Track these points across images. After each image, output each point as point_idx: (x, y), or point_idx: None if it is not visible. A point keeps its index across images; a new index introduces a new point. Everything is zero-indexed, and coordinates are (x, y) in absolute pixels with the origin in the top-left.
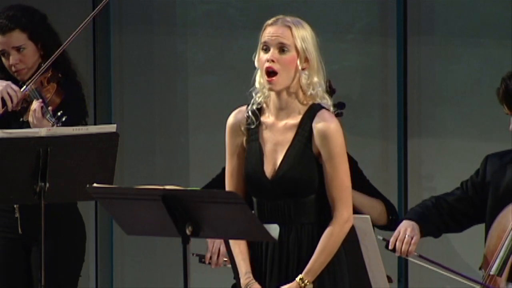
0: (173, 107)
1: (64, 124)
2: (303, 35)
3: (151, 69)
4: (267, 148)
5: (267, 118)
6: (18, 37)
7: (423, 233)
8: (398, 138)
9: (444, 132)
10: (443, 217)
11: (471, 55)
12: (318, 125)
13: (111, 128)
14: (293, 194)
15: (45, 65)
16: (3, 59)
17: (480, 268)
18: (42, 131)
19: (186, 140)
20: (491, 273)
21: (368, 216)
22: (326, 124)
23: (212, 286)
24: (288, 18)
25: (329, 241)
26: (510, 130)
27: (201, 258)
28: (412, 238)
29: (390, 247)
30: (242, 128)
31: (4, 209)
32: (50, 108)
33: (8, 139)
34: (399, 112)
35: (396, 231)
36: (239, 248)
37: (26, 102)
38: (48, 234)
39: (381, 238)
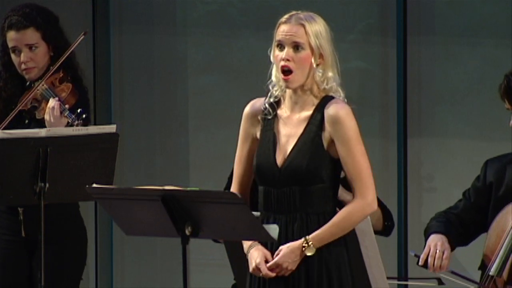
0: (173, 107)
1: (84, 121)
2: (316, 31)
3: (151, 69)
4: (281, 139)
5: (283, 111)
6: (32, 35)
7: (450, 244)
8: (398, 138)
9: (444, 132)
10: (458, 229)
11: (471, 55)
12: (329, 112)
13: (111, 128)
14: (300, 182)
15: (55, 64)
16: (13, 56)
17: (479, 269)
18: (42, 132)
19: (186, 140)
20: (490, 273)
21: (368, 217)
22: (336, 110)
23: (212, 286)
24: (301, 15)
25: (345, 217)
26: (511, 125)
27: None
28: (443, 253)
29: (421, 263)
30: (259, 117)
31: (7, 211)
32: (67, 106)
33: (8, 139)
34: (399, 112)
35: (426, 246)
36: None
37: (36, 101)
38: (51, 238)
39: (413, 254)
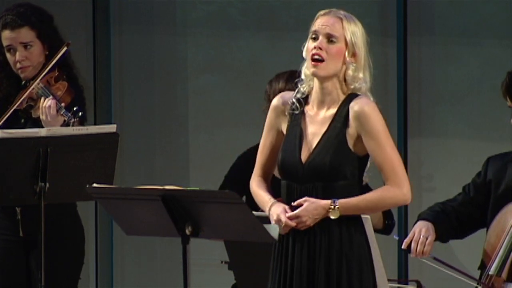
0: (173, 107)
1: (80, 119)
2: (353, 30)
3: (151, 69)
4: (307, 137)
5: (311, 108)
6: (27, 34)
7: (438, 233)
8: (398, 138)
9: (444, 132)
10: (451, 221)
11: (471, 55)
12: (354, 108)
13: (111, 128)
14: (323, 178)
15: (49, 63)
16: (8, 55)
17: (479, 268)
18: (42, 131)
19: (186, 140)
20: (490, 273)
21: (368, 217)
22: (361, 105)
23: (212, 286)
24: (342, 11)
25: (377, 198)
26: (511, 123)
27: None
28: (427, 239)
29: (404, 246)
30: (286, 113)
31: (5, 211)
32: (63, 104)
33: (8, 139)
34: (399, 112)
35: (411, 232)
36: (256, 186)
37: (32, 100)
38: (49, 238)
39: (396, 238)
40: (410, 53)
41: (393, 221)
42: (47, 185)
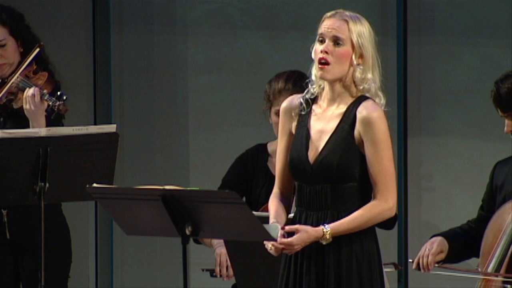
0: (173, 107)
1: (64, 102)
2: (360, 31)
3: (151, 69)
4: (314, 135)
5: (318, 107)
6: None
7: (453, 247)
8: (398, 138)
9: (444, 132)
10: (469, 235)
11: (471, 55)
12: (361, 113)
13: (111, 128)
14: (331, 180)
15: (24, 62)
16: None
17: (477, 268)
18: (42, 131)
19: (186, 140)
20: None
21: None
22: (369, 111)
23: (212, 286)
24: (347, 13)
25: (367, 218)
26: (505, 132)
27: (212, 273)
28: (430, 251)
29: (414, 266)
30: (293, 114)
31: None
32: (45, 91)
33: (8, 139)
34: (399, 112)
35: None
36: (270, 199)
37: (11, 94)
38: (35, 238)
39: (410, 260)
40: (410, 52)
41: (396, 215)
42: (47, 185)
